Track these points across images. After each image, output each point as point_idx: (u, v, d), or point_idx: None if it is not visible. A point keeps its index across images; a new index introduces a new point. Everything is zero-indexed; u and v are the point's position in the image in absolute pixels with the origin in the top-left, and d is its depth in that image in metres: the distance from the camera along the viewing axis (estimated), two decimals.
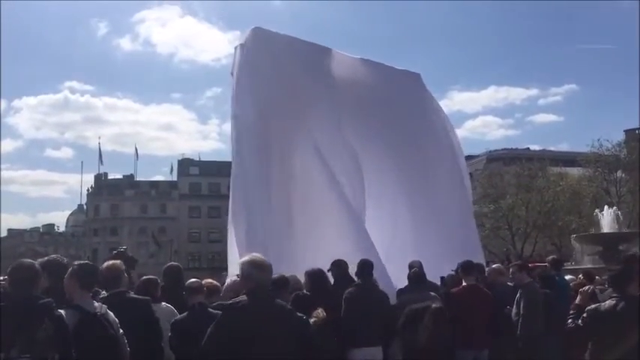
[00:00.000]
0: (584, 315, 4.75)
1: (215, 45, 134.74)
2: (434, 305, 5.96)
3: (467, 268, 7.13)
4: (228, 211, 10.46)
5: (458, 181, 12.34)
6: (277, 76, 10.92)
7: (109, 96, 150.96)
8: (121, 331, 4.21)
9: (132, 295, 5.03)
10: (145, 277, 5.88)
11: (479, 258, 9.79)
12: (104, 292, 4.87)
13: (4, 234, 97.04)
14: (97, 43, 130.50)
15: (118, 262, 5.06)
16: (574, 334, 4.95)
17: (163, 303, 5.57)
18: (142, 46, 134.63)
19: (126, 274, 5.18)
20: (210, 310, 5.02)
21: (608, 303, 4.68)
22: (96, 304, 4.19)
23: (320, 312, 5.31)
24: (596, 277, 9.39)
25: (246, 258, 4.15)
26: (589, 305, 4.86)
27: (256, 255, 4.18)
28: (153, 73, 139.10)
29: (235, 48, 11.44)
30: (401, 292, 7.09)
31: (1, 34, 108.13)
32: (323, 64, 11.63)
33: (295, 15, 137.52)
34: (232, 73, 11.31)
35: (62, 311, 3.76)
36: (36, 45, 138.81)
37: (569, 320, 4.93)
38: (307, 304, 5.29)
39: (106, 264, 4.98)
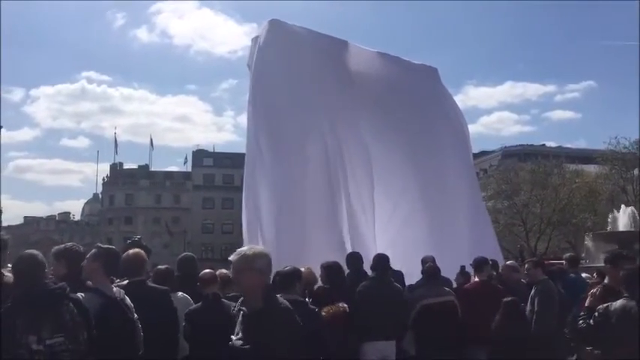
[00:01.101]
0: (596, 314, 4.76)
1: (231, 37, 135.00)
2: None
3: (479, 264, 7.09)
4: (241, 203, 10.57)
5: (472, 177, 12.32)
6: (294, 69, 10.92)
7: (126, 86, 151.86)
8: (136, 315, 4.25)
9: (152, 284, 5.06)
10: (159, 267, 5.89)
11: (496, 254, 9.76)
12: (118, 280, 4.92)
13: (20, 221, 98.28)
14: (114, 33, 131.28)
15: (142, 252, 5.09)
16: (585, 334, 4.95)
17: (180, 293, 5.60)
18: (158, 38, 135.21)
19: None
20: (224, 300, 5.04)
21: (620, 302, 4.68)
22: (114, 288, 4.22)
23: (340, 306, 5.25)
24: None
25: (262, 250, 3.78)
26: (599, 305, 4.86)
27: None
28: (169, 65, 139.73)
29: (252, 40, 11.46)
30: (413, 288, 7.07)
31: (1, 25, 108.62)
32: (340, 56, 11.61)
33: (312, 8, 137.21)
34: (249, 65, 11.34)
35: (82, 295, 3.80)
36: (54, 35, 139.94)
37: (580, 321, 4.94)
38: (326, 297, 5.28)
39: (131, 251, 5.00)
